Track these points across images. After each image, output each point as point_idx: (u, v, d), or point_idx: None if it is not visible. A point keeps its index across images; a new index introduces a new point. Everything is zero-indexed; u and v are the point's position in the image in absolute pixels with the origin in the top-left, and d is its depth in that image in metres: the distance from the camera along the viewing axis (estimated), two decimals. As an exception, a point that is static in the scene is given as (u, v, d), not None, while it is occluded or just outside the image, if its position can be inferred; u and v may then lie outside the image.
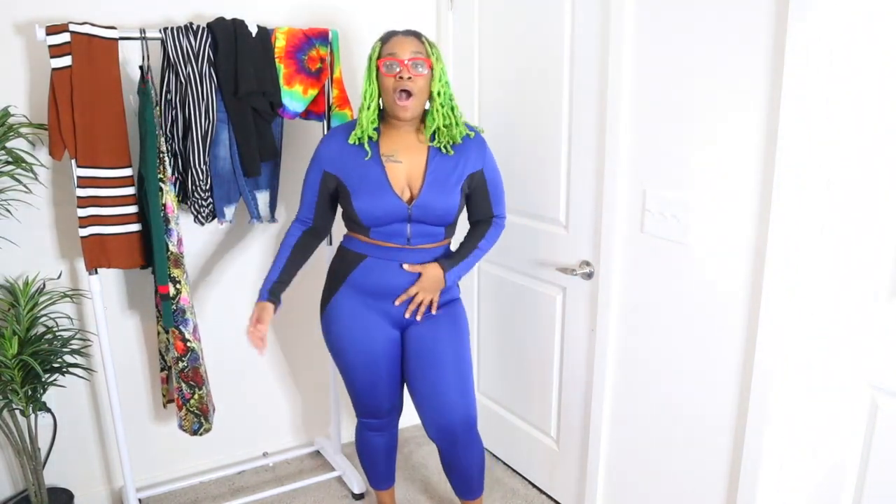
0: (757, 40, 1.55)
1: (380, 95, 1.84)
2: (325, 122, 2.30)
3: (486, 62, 2.47)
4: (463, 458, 2.01)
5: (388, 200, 1.83)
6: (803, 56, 1.45)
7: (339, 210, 1.99)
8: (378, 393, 2.02)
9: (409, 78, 1.76)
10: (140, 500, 2.44)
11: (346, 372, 2.02)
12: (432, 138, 1.87)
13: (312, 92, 2.21)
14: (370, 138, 1.86)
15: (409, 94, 1.78)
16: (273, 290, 1.91)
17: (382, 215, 1.84)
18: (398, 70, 1.77)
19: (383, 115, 1.89)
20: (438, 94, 1.83)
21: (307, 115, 2.26)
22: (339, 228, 2.60)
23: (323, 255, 2.64)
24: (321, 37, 2.19)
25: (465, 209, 2.03)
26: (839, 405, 1.57)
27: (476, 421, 2.00)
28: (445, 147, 1.87)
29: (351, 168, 1.86)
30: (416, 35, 1.81)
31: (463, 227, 2.09)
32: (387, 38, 1.82)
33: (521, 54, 2.28)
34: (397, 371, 2.02)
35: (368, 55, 1.84)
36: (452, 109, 1.86)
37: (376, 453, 2.16)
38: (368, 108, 1.83)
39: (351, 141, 1.86)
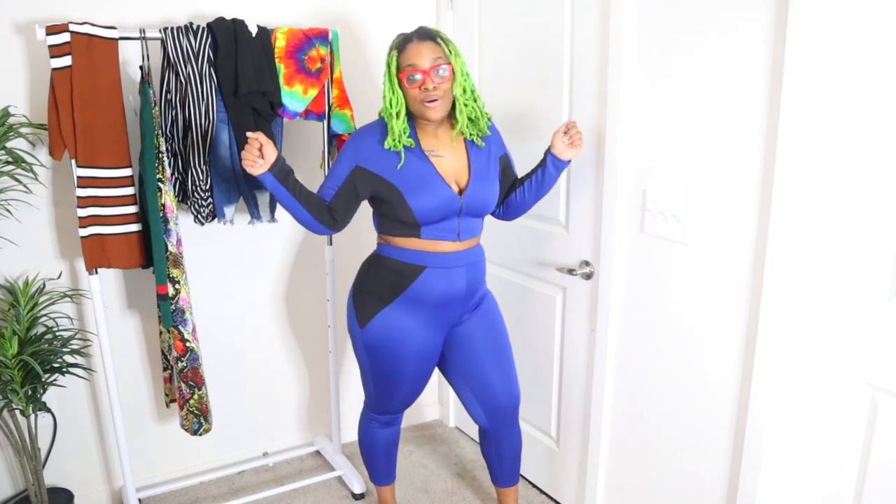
0: (757, 39, 1.55)
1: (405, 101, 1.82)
2: (325, 122, 2.30)
3: (486, 62, 2.47)
4: (508, 439, 2.12)
5: (444, 193, 1.82)
6: (803, 55, 1.45)
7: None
8: (405, 396, 2.06)
9: (434, 88, 1.76)
10: (140, 500, 2.44)
11: (381, 377, 2.01)
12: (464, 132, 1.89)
13: (312, 92, 2.21)
14: (406, 145, 1.83)
15: (435, 99, 1.77)
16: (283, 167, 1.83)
17: (438, 209, 1.82)
18: (421, 81, 1.75)
19: (411, 114, 1.86)
20: (463, 91, 1.82)
21: (307, 115, 2.26)
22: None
23: (321, 255, 2.64)
24: (321, 37, 2.19)
25: None
26: (839, 405, 1.57)
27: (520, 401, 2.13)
28: (477, 139, 1.90)
29: (395, 169, 1.82)
30: (432, 37, 1.77)
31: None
32: (402, 46, 1.77)
33: (521, 54, 2.28)
34: (430, 375, 2.07)
35: (386, 61, 1.80)
36: (475, 100, 1.87)
37: (380, 446, 2.20)
38: (398, 117, 1.80)
39: (386, 146, 1.82)
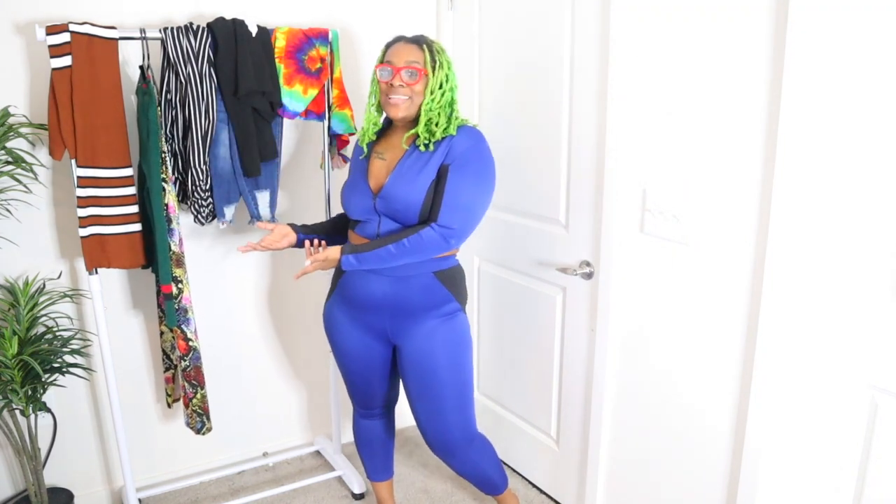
0: (757, 39, 1.55)
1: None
2: (326, 122, 2.30)
3: (486, 62, 2.46)
4: (464, 468, 2.07)
5: (360, 192, 1.91)
6: (803, 55, 1.45)
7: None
8: (370, 392, 2.11)
9: (400, 85, 1.79)
10: (140, 500, 2.44)
11: (339, 369, 2.14)
12: (416, 137, 1.85)
13: (312, 92, 2.21)
14: (370, 140, 1.96)
15: (399, 96, 1.81)
16: (300, 227, 2.04)
17: (355, 206, 1.91)
18: (390, 77, 1.81)
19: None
20: (431, 97, 1.80)
21: (307, 115, 2.26)
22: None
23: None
24: (321, 37, 2.19)
25: None
26: (839, 405, 1.57)
27: (473, 435, 2.03)
28: (424, 145, 1.83)
29: (353, 164, 2.00)
30: (419, 43, 1.82)
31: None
32: (391, 44, 1.85)
33: (521, 54, 2.28)
34: (387, 375, 2.09)
35: (378, 58, 1.89)
36: (451, 114, 1.84)
37: (370, 438, 2.22)
38: (371, 109, 1.92)
39: (359, 142, 2.00)
